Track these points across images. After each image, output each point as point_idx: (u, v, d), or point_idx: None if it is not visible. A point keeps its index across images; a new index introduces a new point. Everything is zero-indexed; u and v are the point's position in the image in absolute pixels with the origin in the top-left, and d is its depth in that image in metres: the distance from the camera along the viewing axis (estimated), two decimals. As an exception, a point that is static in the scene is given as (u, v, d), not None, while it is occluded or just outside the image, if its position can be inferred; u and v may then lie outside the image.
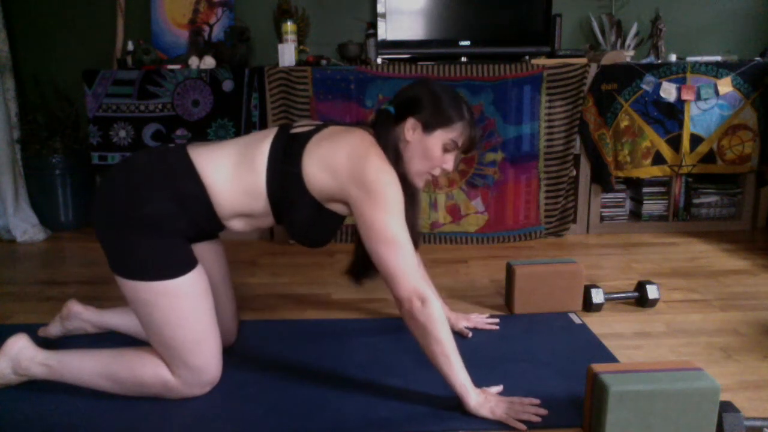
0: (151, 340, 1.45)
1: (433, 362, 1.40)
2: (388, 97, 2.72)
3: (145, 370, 1.46)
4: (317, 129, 1.50)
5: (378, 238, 1.38)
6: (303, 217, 1.49)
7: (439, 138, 1.50)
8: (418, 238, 1.60)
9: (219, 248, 1.68)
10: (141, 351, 1.51)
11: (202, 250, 1.58)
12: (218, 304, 1.60)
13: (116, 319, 1.79)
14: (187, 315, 1.42)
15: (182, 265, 1.43)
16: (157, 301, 1.40)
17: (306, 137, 1.48)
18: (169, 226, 1.42)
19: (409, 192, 1.55)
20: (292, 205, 1.47)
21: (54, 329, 1.80)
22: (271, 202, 1.47)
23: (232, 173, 1.45)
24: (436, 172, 1.54)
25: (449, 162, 1.54)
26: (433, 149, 1.50)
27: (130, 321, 1.77)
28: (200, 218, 1.46)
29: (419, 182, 1.56)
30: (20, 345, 1.50)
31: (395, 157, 1.47)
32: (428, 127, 1.49)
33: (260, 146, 1.48)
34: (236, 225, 1.53)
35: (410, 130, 1.50)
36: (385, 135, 1.49)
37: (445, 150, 1.52)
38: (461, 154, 1.59)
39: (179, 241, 1.45)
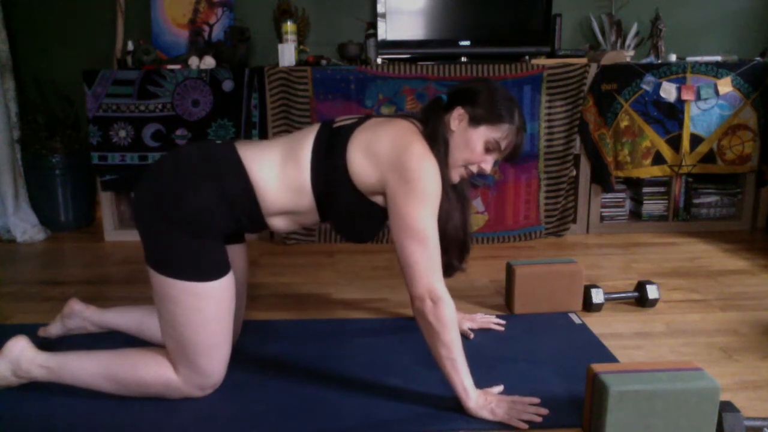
0: (166, 335, 1.45)
1: (437, 362, 1.41)
2: (389, 97, 2.73)
3: (147, 370, 1.46)
4: (360, 121, 1.51)
5: (406, 230, 1.37)
6: (348, 210, 1.49)
7: (483, 134, 1.47)
8: (469, 238, 1.61)
9: (245, 251, 1.68)
10: (142, 351, 1.51)
11: (232, 252, 1.57)
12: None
13: (117, 319, 1.79)
14: (209, 318, 1.42)
15: (217, 269, 1.43)
16: (184, 300, 1.40)
17: (350, 129, 1.48)
18: (213, 224, 1.42)
19: (460, 192, 1.56)
20: (337, 198, 1.47)
21: (54, 329, 1.80)
22: (316, 196, 1.46)
23: (279, 171, 1.45)
24: (474, 168, 1.51)
25: (488, 162, 1.51)
26: (475, 143, 1.47)
27: (131, 320, 1.76)
28: (244, 216, 1.46)
29: (454, 175, 1.52)
30: (20, 347, 1.50)
31: (444, 147, 1.46)
32: (475, 120, 1.47)
33: (304, 142, 1.48)
34: (279, 224, 1.52)
35: (456, 119, 1.48)
36: (434, 122, 1.48)
37: (487, 149, 1.48)
38: (503, 160, 1.56)
39: (218, 243, 1.45)
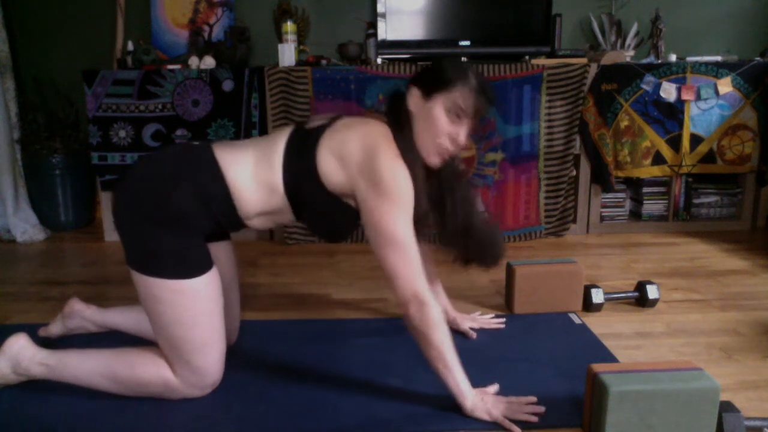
0: (158, 337, 1.45)
1: (429, 365, 1.41)
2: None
3: (145, 369, 1.46)
4: (331, 122, 1.50)
5: (382, 237, 1.37)
6: (320, 211, 1.49)
7: (439, 102, 1.43)
8: (486, 228, 1.66)
9: (230, 248, 1.68)
10: (142, 350, 1.51)
11: (216, 249, 1.58)
12: (225, 305, 1.60)
13: (118, 318, 1.79)
14: (198, 316, 1.42)
15: (200, 265, 1.43)
16: (170, 299, 1.40)
17: (320, 131, 1.47)
18: (191, 224, 1.42)
19: (450, 184, 1.56)
20: (309, 199, 1.47)
21: (55, 328, 1.80)
22: (289, 197, 1.46)
23: (253, 172, 1.45)
24: (446, 143, 1.45)
25: (460, 133, 1.45)
26: (435, 116, 1.43)
27: (131, 320, 1.77)
28: (222, 217, 1.47)
29: (433, 159, 1.47)
30: (20, 344, 1.50)
31: (409, 134, 1.44)
32: (427, 93, 1.44)
33: (277, 143, 1.48)
34: (256, 223, 1.53)
35: (412, 98, 1.46)
36: (396, 114, 1.47)
37: (450, 117, 1.43)
38: (473, 124, 1.48)
39: (199, 241, 1.45)
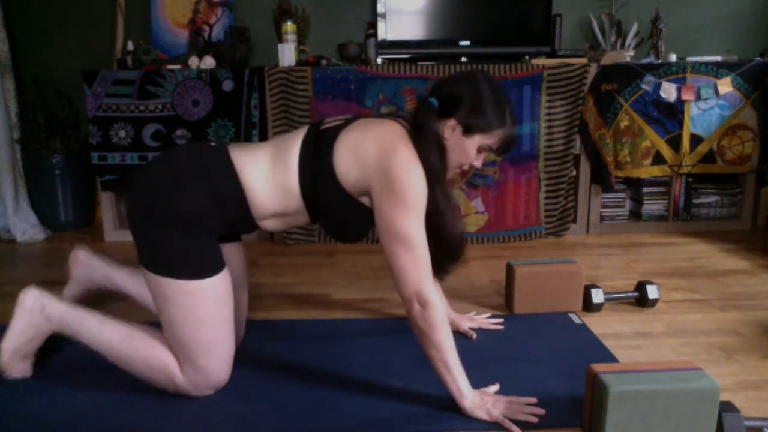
0: (167, 335, 1.46)
1: (431, 364, 1.41)
2: (389, 97, 2.73)
3: (156, 360, 1.46)
4: (348, 122, 1.50)
5: (393, 235, 1.37)
6: (336, 211, 1.50)
7: (477, 141, 1.48)
8: (464, 245, 1.60)
9: (241, 250, 1.69)
10: (157, 340, 1.50)
11: (227, 250, 1.58)
12: (234, 306, 1.60)
13: (124, 279, 1.83)
14: (207, 316, 1.43)
15: (211, 266, 1.43)
16: (180, 299, 1.40)
17: (336, 131, 1.48)
18: (204, 224, 1.43)
19: (444, 190, 1.55)
20: (326, 199, 1.47)
21: (69, 290, 1.86)
22: (305, 198, 1.47)
23: (268, 174, 1.46)
24: (466, 167, 1.54)
25: (480, 160, 1.53)
26: (468, 150, 1.49)
27: (135, 283, 1.81)
28: (235, 218, 1.47)
29: (448, 174, 1.53)
30: (34, 293, 1.54)
31: (438, 150, 1.45)
32: (468, 131, 1.46)
33: (292, 144, 1.48)
34: (270, 224, 1.53)
35: (450, 129, 1.47)
36: (427, 126, 1.45)
37: (479, 151, 1.51)
38: (495, 155, 1.60)
39: (211, 241, 1.46)
